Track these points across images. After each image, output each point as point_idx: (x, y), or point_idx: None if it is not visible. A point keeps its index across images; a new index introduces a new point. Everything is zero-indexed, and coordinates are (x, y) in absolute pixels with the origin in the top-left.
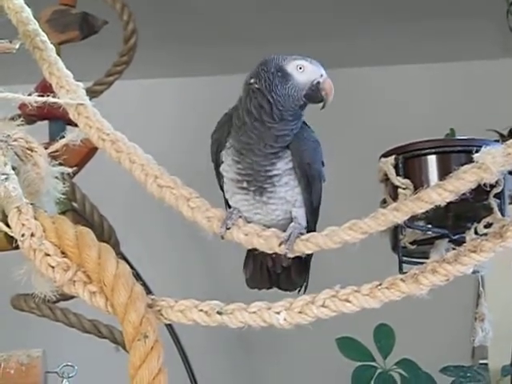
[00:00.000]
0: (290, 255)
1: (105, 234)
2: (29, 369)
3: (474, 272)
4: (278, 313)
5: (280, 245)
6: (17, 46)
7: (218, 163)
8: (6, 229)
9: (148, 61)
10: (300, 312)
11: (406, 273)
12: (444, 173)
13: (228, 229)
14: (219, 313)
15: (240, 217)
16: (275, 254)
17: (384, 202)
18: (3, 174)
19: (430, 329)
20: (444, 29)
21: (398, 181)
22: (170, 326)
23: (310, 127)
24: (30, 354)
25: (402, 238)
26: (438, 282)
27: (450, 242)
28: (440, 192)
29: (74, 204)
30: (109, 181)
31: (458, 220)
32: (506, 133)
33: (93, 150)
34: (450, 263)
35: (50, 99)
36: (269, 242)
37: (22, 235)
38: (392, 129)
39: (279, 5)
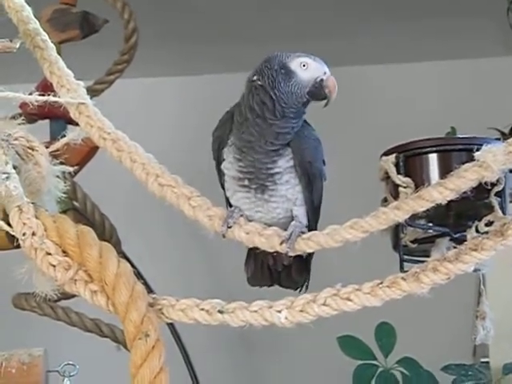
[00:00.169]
0: (292, 254)
1: (106, 233)
2: (30, 368)
3: (475, 270)
4: (280, 311)
5: (281, 243)
6: (17, 45)
7: (219, 161)
8: (7, 228)
9: (149, 59)
10: (301, 310)
11: (407, 271)
12: (445, 171)
13: (229, 227)
14: (220, 312)
15: (241, 215)
16: (276, 252)
17: (385, 200)
18: (4, 173)
19: (432, 327)
20: (445, 27)
21: (399, 179)
22: (171, 325)
23: (311, 125)
24: (32, 353)
25: (403, 236)
26: (439, 280)
27: (451, 240)
28: (441, 190)
29: (75, 203)
30: (110, 180)
31: (459, 218)
32: (507, 131)
33: (94, 149)
34: (451, 261)
35: (51, 98)
36: (270, 241)
37: (23, 234)
38: (393, 127)
39: (280, 3)
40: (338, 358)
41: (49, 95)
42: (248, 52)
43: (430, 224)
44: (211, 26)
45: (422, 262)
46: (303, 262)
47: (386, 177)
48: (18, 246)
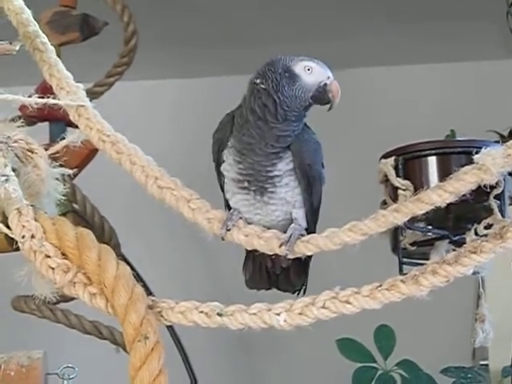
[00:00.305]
0: (291, 256)
1: (105, 236)
2: (29, 370)
3: (475, 273)
4: (279, 314)
5: (280, 246)
6: (17, 48)
7: (218, 162)
8: (6, 230)
9: (148, 62)
10: (300, 313)
11: (406, 274)
12: (444, 174)
13: (228, 230)
14: (219, 314)
15: (240, 218)
16: (275, 255)
17: (384, 203)
18: (3, 176)
19: (431, 330)
20: (445, 30)
21: (398, 182)
22: (170, 328)
23: (310, 129)
24: (31, 356)
25: (402, 239)
26: (439, 283)
27: (450, 243)
28: (440, 193)
29: (75, 205)
30: (109, 182)
31: (458, 221)
32: (506, 134)
33: (93, 152)
34: (450, 264)
35: (51, 101)
36: (269, 244)
37: (23, 237)
38: (391, 129)
39: (280, 6)
40: (337, 360)
41: (48, 97)
42: (248, 55)
43: (430, 227)
44: (211, 28)
45: (421, 264)
46: (301, 265)
47: (385, 179)
48: (18, 249)
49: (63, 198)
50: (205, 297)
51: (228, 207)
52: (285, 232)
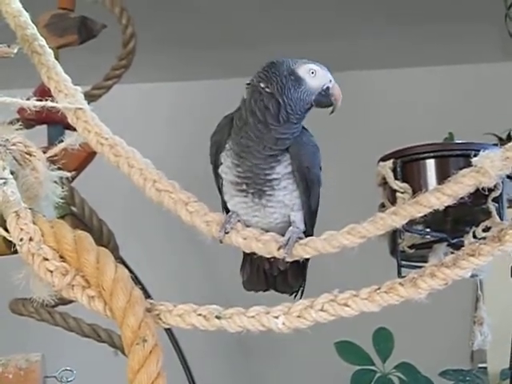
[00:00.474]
0: (289, 259)
1: (104, 238)
2: (27, 373)
3: (473, 276)
4: (277, 317)
5: (279, 249)
6: (15, 51)
7: (216, 165)
8: (4, 233)
9: (147, 65)
10: (299, 316)
11: (404, 277)
12: (442, 177)
13: (227, 233)
14: (218, 317)
15: (239, 221)
16: (273, 257)
17: (382, 206)
18: (1, 179)
19: (429, 332)
20: (444, 32)
21: (397, 185)
22: (169, 330)
23: (309, 131)
24: (29, 359)
25: (401, 242)
26: (437, 285)
27: (448, 245)
28: (438, 196)
29: (73, 208)
30: (107, 185)
31: (456, 224)
32: (504, 136)
33: (91, 155)
34: (449, 267)
35: (49, 103)
36: (267, 246)
37: (21, 240)
38: (390, 132)
39: (279, 8)
40: (335, 363)
41: (46, 100)
42: (246, 57)
43: (428, 229)
44: (209, 30)
45: (420, 267)
46: (299, 267)
47: (384, 182)
48: (16, 252)
49: (61, 200)
50: (203, 299)
51: (226, 210)
52: (283, 235)
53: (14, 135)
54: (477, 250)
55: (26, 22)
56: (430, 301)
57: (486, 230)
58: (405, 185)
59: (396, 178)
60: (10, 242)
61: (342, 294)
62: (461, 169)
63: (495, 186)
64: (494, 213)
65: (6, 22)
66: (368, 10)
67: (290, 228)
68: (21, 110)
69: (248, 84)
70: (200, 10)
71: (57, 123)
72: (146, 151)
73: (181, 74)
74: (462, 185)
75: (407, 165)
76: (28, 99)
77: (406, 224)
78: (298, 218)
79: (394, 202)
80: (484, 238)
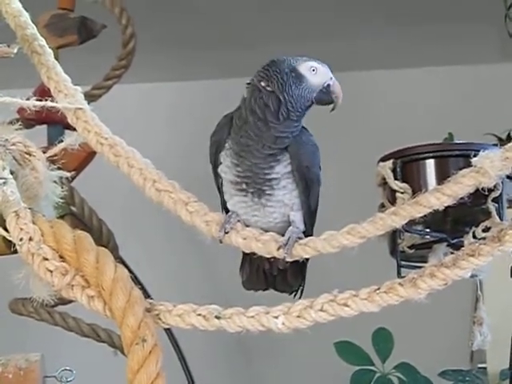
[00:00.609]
0: (289, 259)
1: (103, 238)
2: (27, 373)
3: (472, 276)
4: (277, 317)
5: (278, 249)
6: (15, 51)
7: (216, 164)
8: (4, 233)
9: (146, 65)
10: (298, 316)
11: (404, 277)
12: (442, 177)
13: (226, 233)
14: (217, 317)
15: (238, 221)
16: (273, 257)
17: (382, 206)
18: (1, 179)
19: (429, 333)
20: (443, 32)
21: (396, 185)
22: (168, 330)
23: (308, 131)
24: (29, 359)
25: (401, 242)
26: (437, 286)
27: (448, 246)
28: (438, 196)
29: (73, 208)
30: (107, 185)
31: (456, 224)
32: (504, 137)
33: (91, 155)
34: (449, 267)
35: (49, 103)
36: (267, 246)
37: (20, 239)
38: (390, 133)
39: (278, 9)
40: (335, 363)
41: (46, 100)
42: (246, 57)
43: (428, 230)
44: (209, 31)
45: (420, 267)
46: (299, 266)
47: (384, 182)
48: (15, 252)
49: (61, 200)
50: (203, 299)
51: (225, 209)
52: (282, 235)
53: (13, 135)
54: (476, 251)
55: (26, 22)
56: (430, 301)
57: (486, 230)
58: (404, 185)
59: (396, 178)
60: (10, 241)
61: (341, 294)
62: (460, 169)
63: (495, 187)
64: (494, 213)
65: (6, 21)
66: (367, 10)
67: (290, 228)
68: (20, 110)
69: (248, 83)
70: (199, 10)
71: (56, 123)
72: (145, 151)
73: (180, 74)
74: (462, 185)
75: (407, 165)
76: (28, 99)
77: (406, 224)
78: (297, 217)
79: (393, 202)
80: (484, 239)
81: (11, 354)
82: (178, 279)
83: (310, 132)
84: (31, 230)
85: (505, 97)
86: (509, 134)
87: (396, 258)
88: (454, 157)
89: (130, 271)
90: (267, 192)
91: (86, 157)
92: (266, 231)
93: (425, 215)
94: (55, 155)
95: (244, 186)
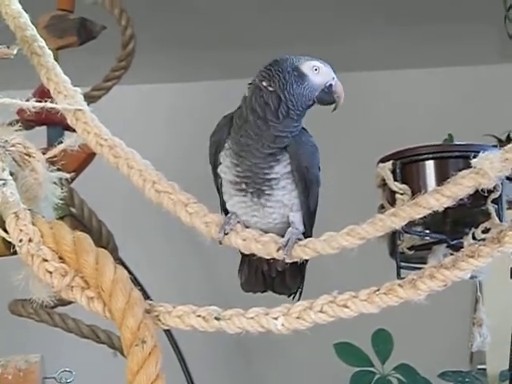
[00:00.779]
0: (288, 261)
1: (103, 240)
2: (27, 374)
3: (472, 277)
4: (276, 318)
5: (278, 250)
6: (14, 52)
7: (215, 164)
8: (3, 234)
9: (146, 66)
10: (298, 317)
11: (403, 278)
12: (442, 178)
13: (226, 234)
14: (217, 318)
15: (238, 222)
16: (272, 259)
17: (382, 207)
18: (1, 180)
19: (428, 334)
20: (443, 33)
21: (396, 186)
22: (168, 332)
23: (308, 132)
24: (28, 360)
25: (400, 243)
26: (436, 287)
27: (447, 247)
28: (438, 197)
29: (73, 209)
30: (107, 186)
31: (455, 225)
32: (503, 138)
33: (91, 156)
34: (448, 268)
35: (48, 105)
36: (267, 248)
37: (20, 241)
38: (389, 134)
39: (279, 9)
40: (334, 364)
41: (46, 101)
42: (246, 58)
43: (427, 231)
44: (208, 31)
45: (419, 268)
46: (298, 268)
47: (383, 184)
48: (15, 253)
49: (61, 201)
50: (202, 301)
51: (224, 210)
52: (282, 236)
53: (13, 136)
54: (476, 252)
55: (26, 23)
56: (430, 302)
57: (486, 231)
58: (404, 186)
59: (395, 180)
60: (10, 242)
61: (341, 295)
62: (460, 170)
63: (494, 188)
64: (494, 214)
65: (6, 23)
66: (367, 11)
67: (290, 229)
68: (20, 111)
69: (250, 84)
70: (199, 11)
71: (56, 124)
72: (145, 152)
73: (180, 75)
74: (462, 186)
75: (406, 166)
76: (27, 100)
77: (406, 225)
78: (297, 218)
79: (393, 203)
80: (483, 240)
81: (11, 355)
82: (178, 280)
83: (310, 132)
84: (31, 231)
85: (504, 98)
86: (508, 135)
87: (395, 259)
88: (453, 158)
89: (130, 272)
90: (266, 192)
91: (85, 158)
92: (266, 232)
93: (424, 216)
94: (55, 156)
95: (243, 186)
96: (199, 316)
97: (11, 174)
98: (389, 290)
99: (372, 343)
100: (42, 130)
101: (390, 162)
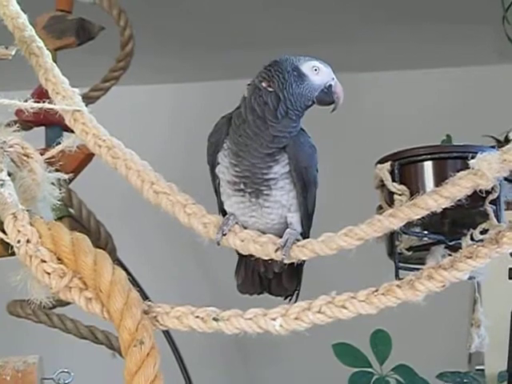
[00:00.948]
0: (287, 261)
1: (101, 240)
2: (25, 375)
3: (470, 278)
4: (274, 319)
5: (276, 251)
6: (13, 53)
7: (213, 165)
8: (1, 235)
9: (145, 66)
10: (296, 318)
11: (402, 279)
12: (440, 179)
13: (224, 235)
14: (215, 319)
15: (236, 223)
16: (270, 260)
17: (380, 208)
18: None
19: (427, 335)
20: (441, 34)
21: (394, 187)
22: (166, 332)
23: (306, 132)
24: (26, 361)
25: (398, 244)
26: (434, 288)
27: (446, 248)
28: (436, 198)
29: (71, 210)
30: (105, 187)
31: (454, 226)
32: (502, 138)
33: (89, 156)
34: (446, 269)
35: (47, 105)
36: (265, 248)
37: (18, 242)
38: (387, 135)
39: (279, 11)
40: (333, 365)
41: (44, 102)
42: (246, 59)
43: (425, 232)
44: (208, 32)
45: (417, 269)
46: (294, 270)
47: (381, 184)
48: (13, 254)
49: (59, 202)
50: (201, 301)
51: (222, 210)
52: (280, 236)
53: (11, 137)
54: (474, 253)
55: (24, 23)
56: (428, 303)
57: (484, 232)
58: (402, 187)
59: (394, 180)
60: (8, 243)
61: (339, 296)
62: (458, 171)
63: (493, 189)
64: (492, 215)
65: (4, 23)
66: (366, 11)
67: (288, 230)
68: (18, 112)
69: (249, 84)
70: (199, 11)
71: (55, 125)
72: (143, 153)
73: (179, 75)
74: (460, 187)
75: (405, 167)
76: (26, 101)
77: (404, 226)
78: (295, 219)
79: (391, 204)
80: (482, 241)
81: (9, 356)
82: (176, 281)
83: (308, 133)
84: (29, 232)
85: (503, 98)
86: (507, 135)
87: (394, 260)
88: (451, 159)
89: (128, 273)
90: (265, 192)
91: (83, 159)
92: (264, 233)
93: (423, 217)
94: (53, 157)
95: (242, 186)
96: (197, 317)
97: (9, 174)
98: (387, 290)
99: (370, 344)
100: (41, 131)
101: (389, 162)
